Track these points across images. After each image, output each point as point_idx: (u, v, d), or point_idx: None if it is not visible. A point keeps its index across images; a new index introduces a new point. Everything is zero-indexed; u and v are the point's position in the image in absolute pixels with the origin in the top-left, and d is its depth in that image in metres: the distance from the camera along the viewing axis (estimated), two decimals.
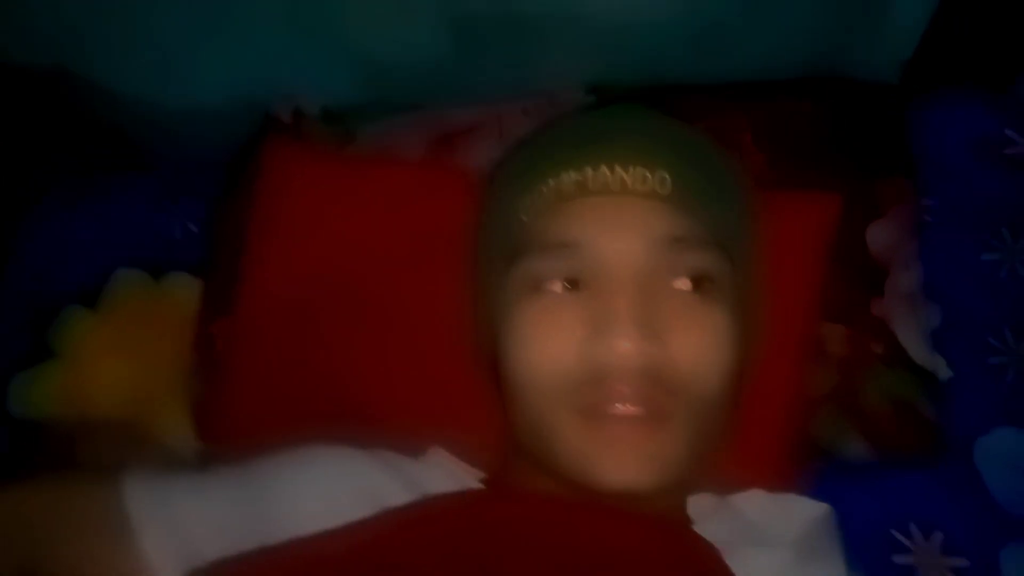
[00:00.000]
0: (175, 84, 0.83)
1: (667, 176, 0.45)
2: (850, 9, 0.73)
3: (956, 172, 0.73)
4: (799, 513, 0.52)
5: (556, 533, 0.43)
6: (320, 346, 0.59)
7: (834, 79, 0.73)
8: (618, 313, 0.42)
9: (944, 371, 0.64)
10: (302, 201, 0.60)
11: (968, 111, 0.75)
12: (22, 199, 0.76)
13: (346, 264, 0.60)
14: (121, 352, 0.64)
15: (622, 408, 0.42)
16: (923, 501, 0.60)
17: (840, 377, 0.62)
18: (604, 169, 0.45)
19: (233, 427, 0.60)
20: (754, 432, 0.56)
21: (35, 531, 0.45)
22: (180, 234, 0.72)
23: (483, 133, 0.71)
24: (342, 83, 0.79)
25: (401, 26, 0.76)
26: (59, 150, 0.84)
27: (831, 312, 0.62)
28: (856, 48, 0.76)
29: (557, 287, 0.45)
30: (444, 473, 0.51)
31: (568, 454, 0.44)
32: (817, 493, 0.55)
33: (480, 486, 0.52)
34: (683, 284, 0.44)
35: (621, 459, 0.42)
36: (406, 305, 0.59)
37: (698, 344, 0.44)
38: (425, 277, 0.59)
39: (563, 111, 0.71)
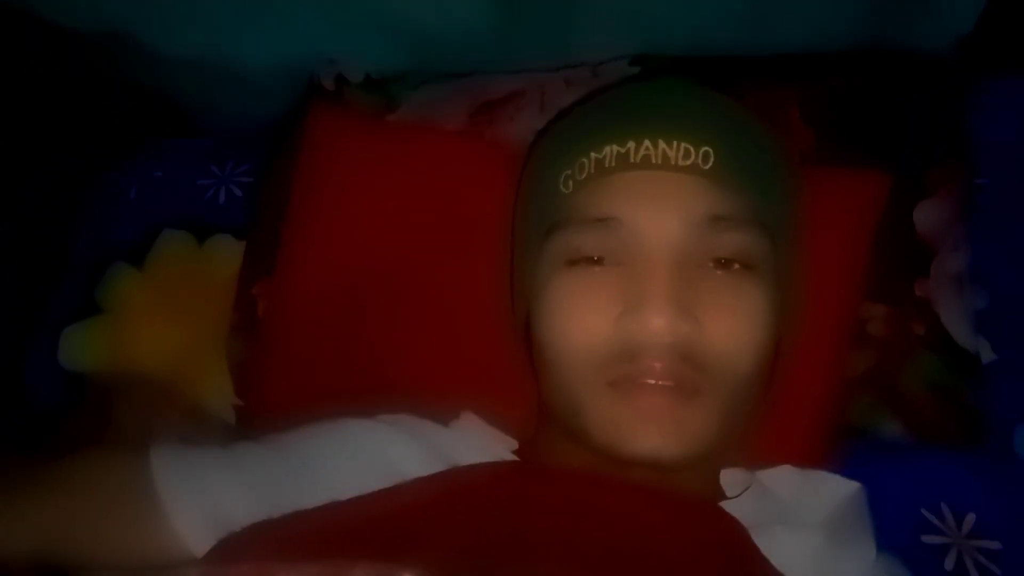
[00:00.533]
0: (222, 51, 0.84)
1: (711, 151, 0.45)
2: None
3: (1011, 154, 0.71)
4: (829, 491, 0.52)
5: (585, 510, 0.44)
6: (358, 310, 0.60)
7: (889, 52, 0.71)
8: (654, 291, 0.43)
9: (988, 354, 0.63)
10: (344, 167, 0.61)
11: None
12: (80, 160, 0.78)
13: (385, 231, 0.60)
14: (165, 311, 0.66)
15: (652, 383, 0.43)
16: (957, 483, 0.60)
17: (879, 358, 0.61)
18: (647, 143, 0.45)
19: (272, 387, 0.62)
20: (790, 410, 0.56)
21: (59, 511, 0.46)
22: (224, 198, 0.74)
23: (525, 102, 0.70)
24: (385, 51, 0.79)
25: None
26: (109, 114, 0.86)
27: (874, 292, 0.62)
28: (913, 21, 0.74)
29: (593, 263, 0.45)
30: (474, 441, 0.52)
31: (598, 424, 0.44)
32: (849, 471, 0.54)
33: (510, 456, 0.53)
34: (720, 263, 0.44)
35: (649, 429, 0.43)
36: (443, 273, 0.60)
37: (732, 324, 0.44)
38: (463, 247, 0.60)
39: (607, 82, 0.71)
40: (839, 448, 0.58)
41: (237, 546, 0.43)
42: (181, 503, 0.46)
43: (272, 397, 0.61)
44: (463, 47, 0.79)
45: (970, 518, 0.59)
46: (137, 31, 0.82)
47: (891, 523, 0.55)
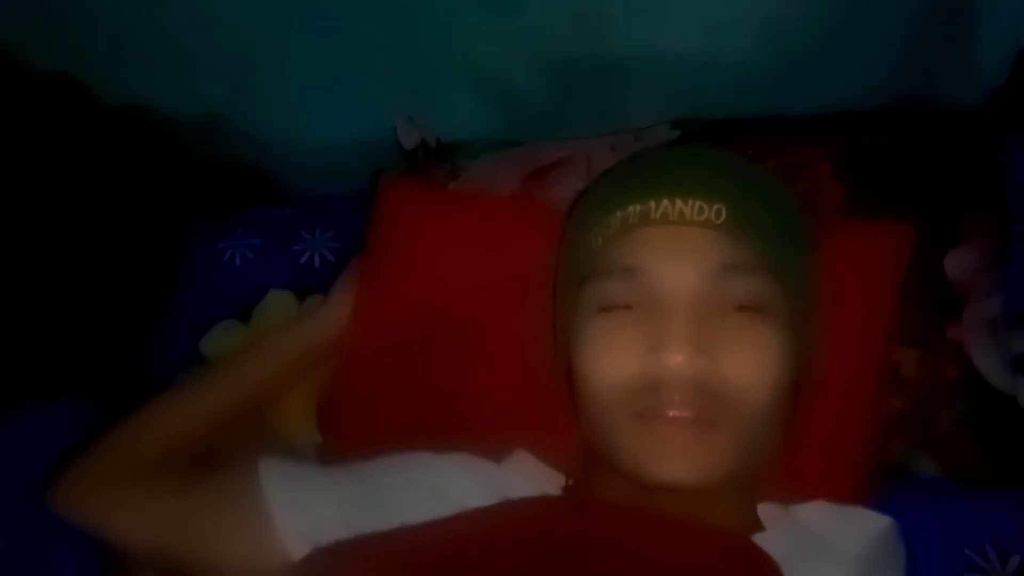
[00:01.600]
0: (309, 127, 0.95)
1: (722, 208, 0.50)
2: (938, 37, 0.75)
3: None
4: (863, 525, 0.54)
5: (624, 542, 0.48)
6: (424, 357, 0.67)
7: (919, 108, 0.75)
8: (673, 331, 0.48)
9: None
10: (411, 229, 0.68)
11: None
12: (179, 229, 0.89)
13: (448, 287, 0.67)
14: None
15: (673, 412, 0.48)
16: (1001, 524, 0.60)
17: (914, 400, 0.63)
18: (666, 201, 0.51)
19: (349, 424, 0.69)
20: (827, 449, 0.59)
21: (182, 512, 0.55)
22: (319, 262, 0.82)
23: (571, 168, 0.77)
24: (450, 123, 0.88)
25: (500, 71, 0.84)
26: (207, 187, 0.98)
27: (906, 337, 0.64)
28: (947, 75, 0.77)
29: (621, 308, 0.51)
30: (526, 476, 0.58)
31: (626, 452, 0.49)
32: (889, 510, 0.56)
33: (557, 490, 0.58)
34: (736, 307, 0.49)
35: (671, 456, 0.47)
36: (499, 324, 0.66)
37: (745, 360, 0.48)
38: (515, 300, 0.66)
39: (648, 145, 0.77)
40: (877, 488, 0.60)
41: (324, 559, 0.50)
42: (285, 511, 0.53)
43: (348, 434, 0.68)
44: (521, 118, 0.87)
45: (1015, 559, 0.59)
46: (231, 113, 0.94)
47: (934, 563, 0.58)
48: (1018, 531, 0.61)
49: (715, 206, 0.50)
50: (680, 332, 0.48)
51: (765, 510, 0.55)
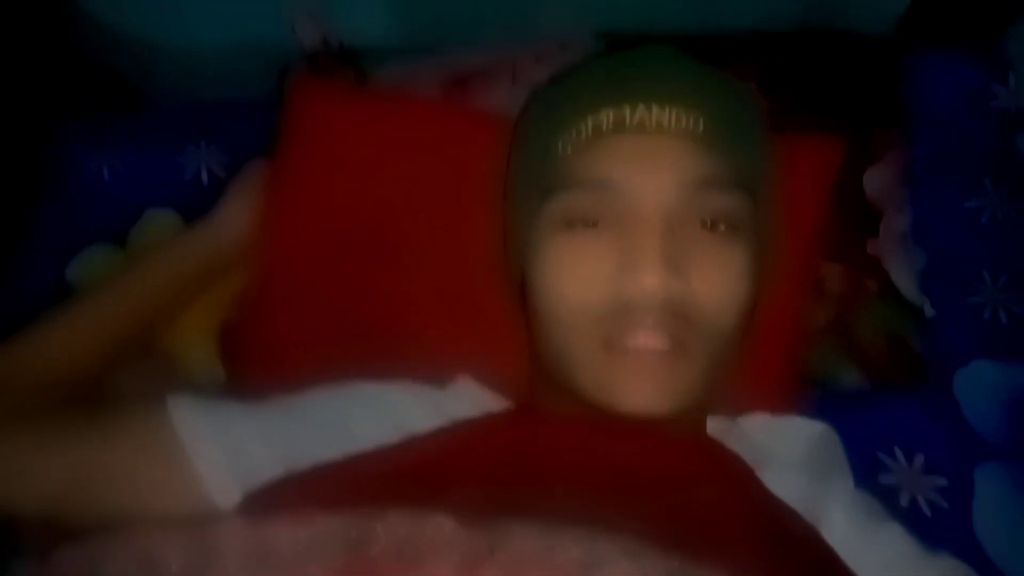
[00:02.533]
0: (177, 25, 0.83)
1: (701, 117, 0.47)
2: None
3: (943, 123, 0.76)
4: (803, 433, 0.56)
5: (592, 452, 0.46)
6: (348, 274, 0.61)
7: (831, 31, 0.76)
8: (646, 250, 0.45)
9: (929, 309, 0.69)
10: (328, 133, 0.62)
11: (956, 66, 0.78)
12: (33, 136, 0.76)
13: (374, 198, 0.61)
14: None
15: (644, 338, 0.45)
16: (907, 426, 0.65)
17: (838, 312, 0.66)
18: (641, 107, 0.47)
19: (261, 354, 0.62)
20: (759, 361, 0.60)
21: (76, 462, 0.47)
22: (207, 179, 0.73)
23: (496, 77, 0.73)
24: (348, 24, 0.80)
25: None
26: (61, 88, 0.84)
27: (831, 252, 0.67)
28: (851, 1, 0.79)
29: (588, 225, 0.47)
30: (471, 401, 0.54)
31: (590, 381, 0.47)
32: (813, 417, 0.59)
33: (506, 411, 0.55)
34: (706, 225, 0.47)
35: (640, 387, 0.45)
36: (432, 238, 0.61)
37: (719, 282, 0.47)
38: (450, 211, 0.61)
39: (575, 55, 0.73)
40: (805, 396, 0.63)
41: (267, 498, 0.44)
42: (203, 447, 0.46)
43: (260, 363, 0.61)
44: (428, 25, 0.80)
45: (919, 458, 0.64)
46: (85, 3, 0.80)
47: (851, 465, 0.61)
48: (921, 432, 0.65)
49: (693, 115, 0.47)
50: (654, 252, 0.45)
51: (712, 423, 0.55)
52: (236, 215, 0.61)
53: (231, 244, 0.61)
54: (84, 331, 0.55)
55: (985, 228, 0.73)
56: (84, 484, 0.47)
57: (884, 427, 0.65)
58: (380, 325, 0.60)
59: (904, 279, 0.67)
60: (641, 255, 0.45)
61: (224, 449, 0.47)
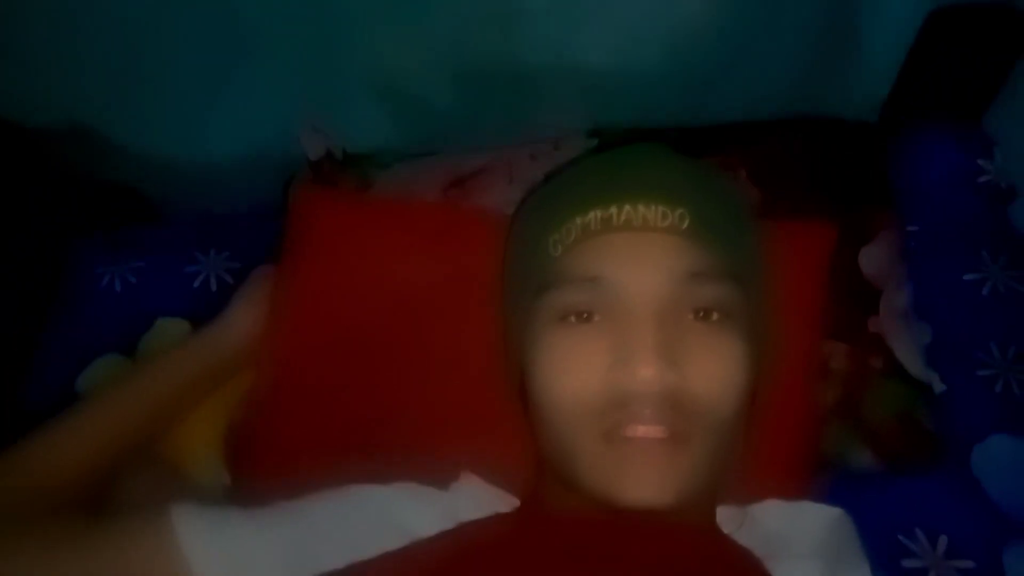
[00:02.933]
0: (189, 141, 0.87)
1: (686, 212, 0.49)
2: (828, 53, 0.79)
3: (935, 200, 0.78)
4: (816, 519, 0.55)
5: (597, 557, 0.45)
6: (353, 380, 0.62)
7: (817, 119, 0.79)
8: (640, 343, 0.46)
9: (938, 384, 0.68)
10: (331, 242, 0.63)
11: (942, 144, 0.81)
12: (51, 254, 0.78)
13: (377, 300, 0.63)
14: None
15: (643, 430, 0.45)
16: (927, 507, 0.63)
17: (844, 392, 0.65)
18: (628, 207, 0.49)
19: (265, 458, 0.62)
20: (770, 446, 0.59)
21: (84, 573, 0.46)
22: (216, 285, 0.75)
23: (493, 176, 0.75)
24: (354, 132, 0.83)
25: (408, 79, 0.81)
26: (79, 207, 0.87)
27: (833, 331, 0.67)
28: (835, 88, 0.82)
29: (583, 319, 0.48)
30: (476, 500, 0.54)
31: (592, 474, 0.46)
32: (828, 502, 0.58)
33: (510, 510, 0.54)
34: (699, 315, 0.48)
35: (641, 478, 0.45)
36: (435, 338, 0.62)
37: (714, 371, 0.47)
38: (451, 312, 0.62)
39: (568, 154, 0.76)
40: (817, 480, 0.62)
41: None
42: (207, 560, 0.46)
43: (266, 467, 0.61)
44: (432, 125, 0.84)
45: (943, 540, 0.62)
46: (100, 124, 0.84)
47: (871, 550, 0.58)
48: (943, 512, 0.64)
49: (678, 211, 0.49)
50: (648, 344, 0.45)
51: (723, 512, 0.54)
52: (243, 318, 0.62)
53: (237, 347, 0.62)
54: (89, 436, 0.56)
55: (987, 301, 0.73)
56: None
57: (904, 509, 0.64)
58: (385, 426, 0.61)
59: (909, 355, 0.67)
60: (636, 348, 0.46)
61: (227, 561, 0.46)
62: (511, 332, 0.56)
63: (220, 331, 0.62)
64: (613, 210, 0.49)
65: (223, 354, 0.62)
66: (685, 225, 0.48)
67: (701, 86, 0.81)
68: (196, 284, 0.75)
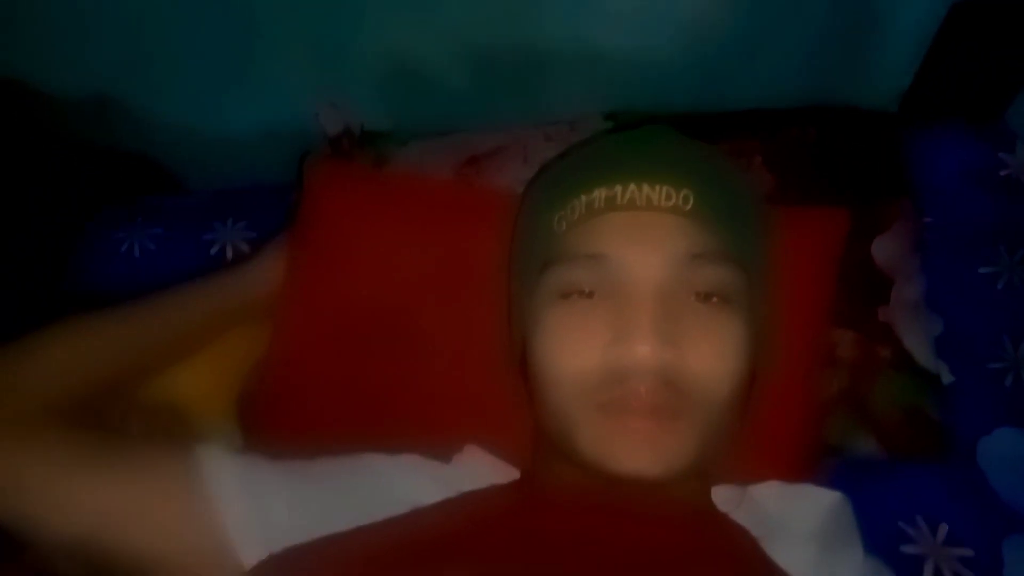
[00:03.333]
0: (210, 114, 0.88)
1: (690, 194, 0.49)
2: (849, 42, 0.79)
3: (953, 194, 0.78)
4: (815, 502, 0.55)
5: (593, 530, 0.46)
6: (364, 351, 0.63)
7: (836, 107, 0.78)
8: (639, 321, 0.46)
9: (947, 376, 0.68)
10: (344, 214, 0.64)
11: (963, 137, 0.80)
12: (72, 221, 0.80)
13: (387, 273, 0.63)
14: None
15: (637, 404, 0.46)
16: (929, 496, 0.64)
17: (850, 380, 0.66)
18: (632, 186, 0.49)
19: (277, 423, 0.64)
20: (771, 431, 0.60)
21: (112, 500, 0.47)
22: (232, 254, 0.76)
23: (508, 155, 0.75)
24: (370, 110, 0.84)
25: (423, 61, 0.82)
26: (100, 176, 0.89)
27: (841, 319, 0.67)
28: (856, 78, 0.81)
29: (584, 295, 0.49)
30: (477, 473, 0.55)
31: (587, 444, 0.47)
32: (830, 486, 0.58)
33: (510, 482, 0.55)
34: (699, 297, 0.48)
35: (634, 449, 0.46)
36: (442, 311, 0.63)
37: (710, 352, 0.48)
38: (460, 286, 0.63)
39: (583, 135, 0.76)
40: (819, 465, 0.62)
41: (280, 565, 0.45)
42: (235, 510, 0.47)
43: (277, 430, 0.63)
44: (447, 106, 0.84)
45: (943, 528, 0.63)
46: (124, 95, 0.86)
47: (871, 536, 0.58)
48: (945, 501, 0.64)
49: (682, 192, 0.49)
50: (646, 322, 0.46)
51: (721, 492, 0.55)
52: (269, 267, 0.64)
53: (259, 293, 0.63)
54: (107, 341, 0.56)
55: (1001, 295, 0.73)
56: (113, 522, 0.48)
57: (906, 497, 0.64)
58: (393, 396, 0.62)
59: (919, 346, 0.67)
60: (634, 326, 0.46)
61: (251, 506, 0.48)
62: (515, 307, 0.56)
63: (245, 274, 0.64)
64: (618, 189, 0.49)
65: (243, 297, 0.63)
66: (689, 206, 0.49)
67: (718, 71, 0.80)
68: (213, 252, 0.76)
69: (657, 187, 0.49)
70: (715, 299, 0.49)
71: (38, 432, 0.49)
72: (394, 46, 0.81)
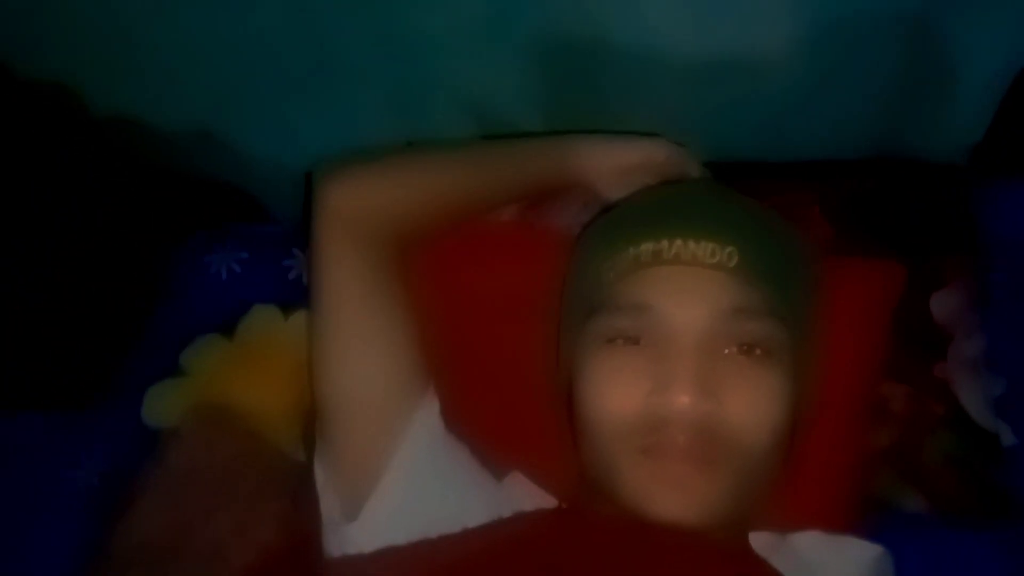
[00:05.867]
0: (299, 148, 0.94)
1: (735, 251, 0.51)
2: (916, 93, 0.78)
3: (1021, 252, 0.76)
4: (856, 555, 0.55)
5: (632, 559, 0.48)
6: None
7: (899, 159, 0.78)
8: (679, 372, 0.48)
9: (1008, 437, 0.67)
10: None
11: None
12: (167, 244, 0.87)
13: (450, 309, 0.67)
14: (249, 373, 0.73)
15: (675, 453, 0.48)
16: (983, 562, 0.62)
17: (901, 435, 0.65)
18: (679, 242, 0.51)
19: None
20: (817, 482, 0.60)
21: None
22: (307, 278, 0.80)
23: (570, 198, 0.77)
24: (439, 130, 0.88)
25: (495, 101, 0.85)
26: (192, 204, 0.96)
27: (896, 373, 0.66)
28: (925, 131, 0.80)
29: (629, 342, 0.51)
30: (523, 497, 0.58)
31: (627, 487, 0.49)
32: (875, 542, 0.58)
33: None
34: (741, 350, 0.50)
35: (669, 497, 0.48)
36: (501, 347, 0.66)
37: (749, 404, 0.49)
38: (517, 323, 0.66)
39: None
40: (864, 520, 0.61)
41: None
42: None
43: None
44: (510, 122, 0.87)
45: None
46: (218, 130, 0.93)
47: None
48: (1000, 570, 0.62)
49: (727, 249, 0.51)
50: (687, 373, 0.48)
51: (760, 538, 0.56)
52: (593, 150, 0.67)
53: (578, 171, 0.67)
54: (440, 177, 0.63)
55: None
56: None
57: (955, 560, 0.62)
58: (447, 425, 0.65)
59: (975, 405, 0.66)
60: (674, 376, 0.48)
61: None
62: (564, 349, 0.59)
63: (569, 152, 0.67)
64: (664, 244, 0.52)
65: (559, 171, 0.67)
66: (733, 263, 0.51)
67: (780, 122, 0.81)
68: (291, 276, 0.82)
69: (703, 243, 0.51)
70: (758, 351, 0.50)
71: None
72: (467, 84, 0.84)
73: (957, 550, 0.62)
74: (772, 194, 0.74)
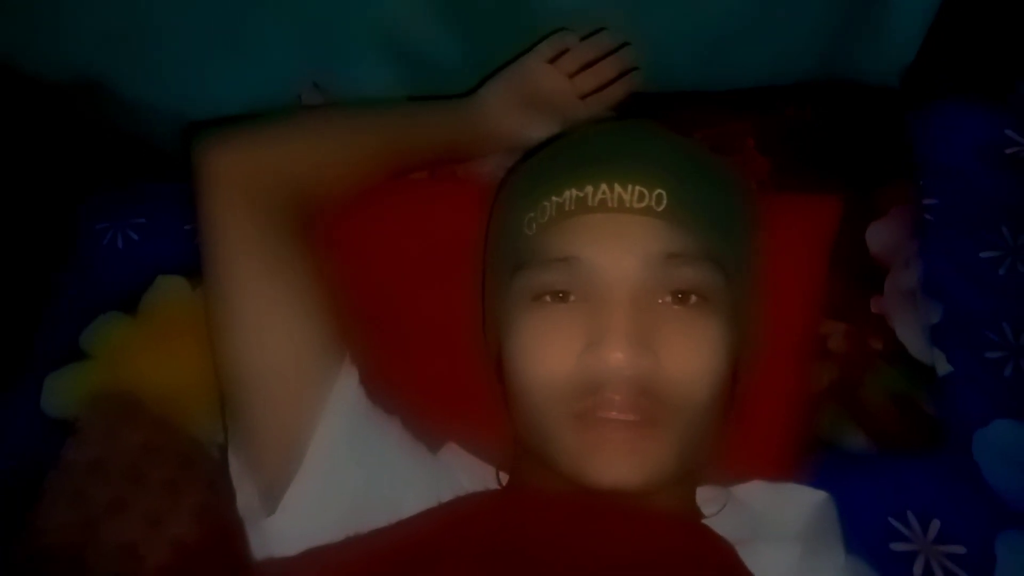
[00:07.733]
0: (199, 94, 0.86)
1: (663, 193, 0.47)
2: (852, 17, 0.75)
3: (958, 173, 0.75)
4: (801, 502, 0.54)
5: (575, 541, 0.46)
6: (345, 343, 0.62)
7: (837, 83, 0.76)
8: (613, 327, 0.45)
9: (943, 366, 0.66)
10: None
11: (970, 114, 0.77)
12: (62, 208, 0.79)
13: (368, 268, 0.62)
14: (157, 355, 0.67)
15: (614, 414, 0.45)
16: (921, 491, 0.62)
17: (841, 373, 0.64)
18: (604, 187, 0.47)
19: None
20: (759, 426, 0.59)
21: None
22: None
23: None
24: (356, 85, 0.82)
25: (414, 33, 0.79)
26: (91, 161, 0.88)
27: (832, 310, 0.65)
28: (859, 54, 0.78)
29: (559, 299, 0.47)
30: (458, 472, 0.55)
31: (564, 454, 0.46)
32: (817, 483, 0.57)
33: (493, 482, 0.55)
34: (676, 298, 0.47)
35: (611, 460, 0.45)
36: (426, 306, 0.62)
37: (688, 356, 0.46)
38: (442, 281, 0.62)
39: None
40: (807, 461, 0.61)
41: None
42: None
43: None
44: (433, 81, 0.82)
45: (935, 524, 0.61)
46: (114, 78, 0.84)
47: (860, 532, 0.58)
48: (937, 496, 0.62)
49: (656, 191, 0.47)
50: (620, 327, 0.45)
51: (705, 493, 0.54)
52: (494, 101, 0.65)
53: (482, 127, 0.64)
54: (332, 137, 0.59)
55: (1003, 280, 0.71)
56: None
57: (896, 492, 0.62)
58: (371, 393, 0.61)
59: (912, 337, 0.65)
60: (608, 331, 0.45)
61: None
62: (489, 309, 0.55)
63: (470, 106, 0.64)
64: (588, 190, 0.48)
65: (466, 128, 0.64)
66: (662, 206, 0.47)
67: (717, 49, 0.77)
68: (197, 241, 0.75)
69: (629, 187, 0.47)
70: (693, 299, 0.47)
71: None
72: (385, 18, 0.78)
73: (895, 483, 0.62)
74: (706, 126, 0.72)
